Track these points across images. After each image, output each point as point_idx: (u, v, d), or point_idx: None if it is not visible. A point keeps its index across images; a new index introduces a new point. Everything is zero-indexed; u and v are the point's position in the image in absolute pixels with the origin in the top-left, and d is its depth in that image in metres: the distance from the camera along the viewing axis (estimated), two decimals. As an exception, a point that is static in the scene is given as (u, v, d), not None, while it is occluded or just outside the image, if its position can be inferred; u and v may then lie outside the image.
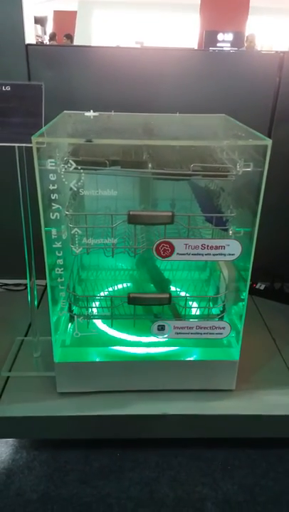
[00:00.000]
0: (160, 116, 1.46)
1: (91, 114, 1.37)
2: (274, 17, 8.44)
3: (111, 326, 1.31)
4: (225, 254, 1.16)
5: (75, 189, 1.07)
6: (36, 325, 1.43)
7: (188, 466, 1.30)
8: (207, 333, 1.27)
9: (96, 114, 1.38)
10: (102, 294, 1.47)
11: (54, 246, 1.11)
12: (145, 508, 1.18)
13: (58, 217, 1.08)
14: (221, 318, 1.31)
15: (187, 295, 1.40)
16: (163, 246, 1.13)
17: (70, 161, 0.99)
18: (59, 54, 1.63)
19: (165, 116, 1.46)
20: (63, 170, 1.02)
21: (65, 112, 1.42)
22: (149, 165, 1.10)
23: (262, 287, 1.93)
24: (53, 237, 1.09)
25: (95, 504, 1.18)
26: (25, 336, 1.55)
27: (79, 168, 1.01)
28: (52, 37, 7.04)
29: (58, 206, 1.06)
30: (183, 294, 1.51)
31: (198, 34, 7.31)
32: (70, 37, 6.99)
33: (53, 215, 1.08)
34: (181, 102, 1.53)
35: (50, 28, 8.30)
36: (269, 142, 1.03)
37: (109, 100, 1.49)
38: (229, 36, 7.59)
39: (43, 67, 1.57)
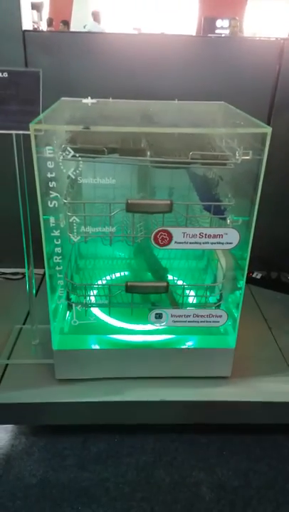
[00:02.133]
0: (159, 104, 1.45)
1: (89, 101, 1.36)
2: (273, 3, 8.32)
3: (109, 314, 1.32)
4: (223, 243, 1.16)
5: (73, 177, 1.06)
6: (34, 313, 1.43)
7: (185, 452, 1.32)
8: (204, 321, 1.28)
9: (94, 100, 1.36)
10: (99, 282, 1.48)
11: (52, 234, 1.11)
12: (142, 492, 1.20)
13: (56, 206, 1.08)
14: (218, 307, 1.32)
15: (184, 284, 1.40)
16: (161, 234, 1.13)
17: (68, 148, 0.99)
18: (56, 40, 1.61)
19: (164, 103, 1.45)
20: (61, 158, 1.02)
21: (62, 98, 1.41)
22: (148, 153, 1.10)
23: (258, 276, 1.94)
24: (51, 225, 1.09)
25: (92, 488, 1.20)
26: (24, 324, 1.56)
27: (77, 155, 1.00)
28: (49, 23, 6.93)
29: (56, 194, 1.06)
30: (180, 282, 1.51)
31: (196, 20, 7.21)
32: (66, 23, 6.88)
33: (51, 203, 1.07)
34: (179, 89, 1.52)
35: (46, 13, 8.15)
36: (269, 130, 1.02)
37: (107, 87, 1.48)
38: (227, 23, 7.50)
39: (40, 53, 1.55)
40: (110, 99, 1.43)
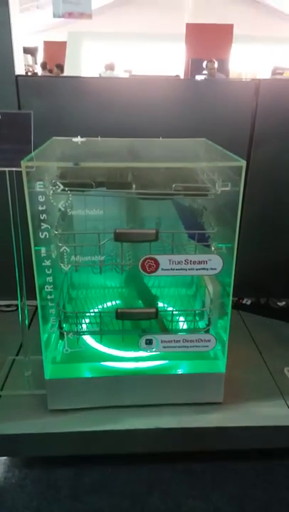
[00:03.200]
0: (144, 141, 1.54)
1: (78, 139, 1.44)
2: (256, 44, 8.82)
3: (100, 341, 1.35)
4: (207, 269, 1.22)
5: (63, 210, 1.13)
6: (27, 344, 1.45)
7: (179, 479, 1.32)
8: (194, 346, 1.31)
9: (83, 139, 1.45)
10: (91, 311, 1.51)
11: (44, 264, 1.16)
12: (137, 522, 1.19)
13: (47, 237, 1.13)
14: (207, 331, 1.35)
15: (173, 310, 1.44)
16: (148, 262, 1.19)
17: (58, 183, 1.05)
18: (48, 84, 1.72)
19: (149, 140, 1.55)
20: (52, 192, 1.08)
21: (53, 138, 1.49)
22: (133, 185, 1.17)
23: (248, 302, 1.99)
24: (43, 255, 1.15)
25: (86, 520, 1.19)
26: (17, 355, 1.57)
27: (66, 189, 1.07)
28: (43, 66, 7.27)
29: (47, 226, 1.12)
30: (170, 309, 1.55)
31: (184, 62, 7.60)
32: (60, 66, 7.21)
33: (42, 235, 1.13)
34: (164, 127, 1.62)
35: (40, 57, 8.56)
36: (243, 163, 1.10)
37: (96, 126, 1.57)
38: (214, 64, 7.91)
39: (32, 96, 1.65)
40: (99, 138, 1.53)
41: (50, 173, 1.17)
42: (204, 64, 6.09)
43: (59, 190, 1.06)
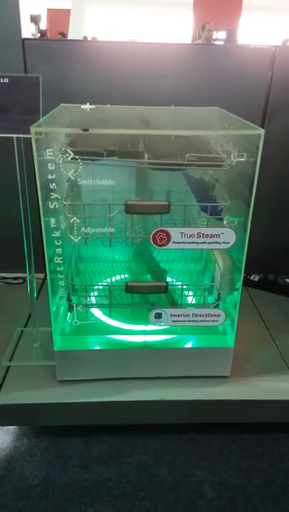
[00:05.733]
0: (155, 109, 1.49)
1: (87, 106, 1.39)
2: (266, 15, 8.48)
3: (109, 315, 1.34)
4: (220, 243, 1.19)
5: (73, 179, 1.09)
6: (36, 315, 1.45)
7: (186, 451, 1.33)
8: (203, 321, 1.30)
9: (92, 106, 1.40)
10: (100, 284, 1.50)
11: (53, 235, 1.13)
12: (144, 491, 1.21)
13: (57, 207, 1.10)
14: (217, 306, 1.34)
15: (183, 284, 1.42)
16: (160, 235, 1.16)
17: (68, 150, 1.02)
18: (55, 48, 1.65)
19: (160, 109, 1.49)
20: (61, 160, 1.05)
21: (61, 105, 1.44)
22: (146, 155, 1.13)
23: (256, 279, 1.97)
24: (52, 226, 1.12)
25: (95, 488, 1.21)
26: (25, 326, 1.57)
27: (77, 157, 1.03)
28: (42, 34, 7.03)
29: (56, 196, 1.09)
30: (179, 283, 1.54)
31: (191, 31, 7.34)
32: (63, 35, 6.99)
33: (51, 205, 1.10)
34: (175, 96, 1.56)
35: (44, 26, 8.29)
36: (262, 132, 1.05)
37: (105, 94, 1.52)
38: (222, 34, 7.62)
39: (39, 61, 1.59)
40: (108, 106, 1.47)
41: (59, 140, 1.13)
42: (201, 27, 5.26)
43: (69, 159, 1.02)
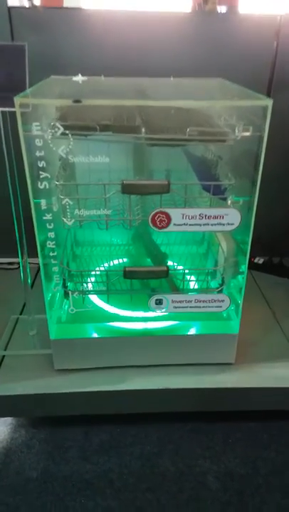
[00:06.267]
0: (153, 81, 1.38)
1: (79, 78, 1.29)
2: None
3: (107, 301, 1.27)
4: (224, 224, 1.11)
5: (65, 156, 1.01)
6: (31, 303, 1.39)
7: (189, 440, 1.29)
8: (206, 307, 1.23)
9: (85, 78, 1.30)
10: (97, 269, 1.43)
11: (44, 219, 1.06)
12: (147, 482, 1.17)
13: (48, 187, 1.02)
14: (220, 291, 1.27)
15: (185, 269, 1.35)
16: (159, 216, 1.08)
17: (58, 125, 0.93)
18: (45, 17, 1.53)
19: (159, 80, 1.39)
20: (50, 135, 0.96)
21: (52, 76, 1.34)
22: (143, 129, 1.04)
23: (260, 261, 1.90)
24: (43, 208, 1.04)
25: (96, 480, 1.17)
26: (21, 314, 1.51)
27: (67, 132, 0.94)
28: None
29: (46, 175, 1.01)
30: (180, 268, 1.47)
31: (190, 3, 7.07)
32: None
33: (41, 185, 1.02)
34: (175, 67, 1.45)
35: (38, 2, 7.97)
36: (269, 102, 0.96)
37: (99, 65, 1.42)
38: (223, 9, 7.35)
39: (27, 31, 1.48)
40: (102, 77, 1.37)
41: (48, 115, 1.04)
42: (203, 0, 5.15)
43: (59, 134, 0.94)
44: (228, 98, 1.13)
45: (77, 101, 0.94)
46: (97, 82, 1.35)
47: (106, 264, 1.47)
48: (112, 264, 1.48)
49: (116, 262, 1.51)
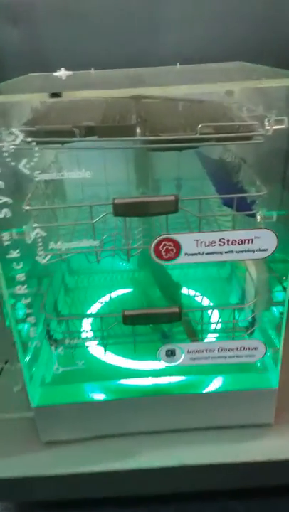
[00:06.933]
0: (155, 70, 1.11)
1: (62, 73, 1.03)
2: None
3: (104, 353, 1.00)
4: (254, 251, 0.82)
5: (28, 173, 0.73)
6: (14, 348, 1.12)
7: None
8: (234, 356, 0.94)
9: (69, 73, 1.03)
10: (89, 312, 1.16)
11: (8, 257, 0.78)
12: None
13: (8, 216, 0.75)
14: (251, 335, 0.98)
15: (202, 307, 1.07)
16: (164, 245, 0.80)
17: (15, 131, 0.66)
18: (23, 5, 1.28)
19: (161, 68, 1.12)
20: (10, 145, 0.69)
21: (30, 74, 1.09)
22: (138, 130, 0.76)
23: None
24: (5, 243, 0.77)
25: None
26: (6, 363, 1.25)
27: (29, 140, 0.68)
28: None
29: (4, 200, 0.73)
30: (198, 299, 1.19)
31: None
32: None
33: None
34: (182, 52, 1.18)
35: None
36: (315, 79, 0.68)
37: (88, 57, 1.16)
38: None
39: (2, 23, 1.23)
40: (92, 70, 1.11)
41: (20, 119, 0.78)
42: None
43: (17, 142, 0.67)
44: (254, 79, 0.84)
45: (55, 94, 0.68)
46: (85, 76, 1.09)
47: (103, 300, 1.19)
48: (110, 297, 1.21)
49: (117, 292, 1.24)
